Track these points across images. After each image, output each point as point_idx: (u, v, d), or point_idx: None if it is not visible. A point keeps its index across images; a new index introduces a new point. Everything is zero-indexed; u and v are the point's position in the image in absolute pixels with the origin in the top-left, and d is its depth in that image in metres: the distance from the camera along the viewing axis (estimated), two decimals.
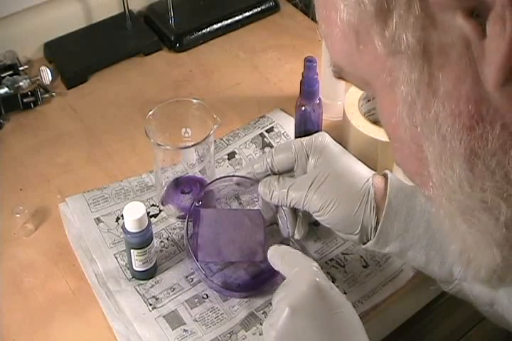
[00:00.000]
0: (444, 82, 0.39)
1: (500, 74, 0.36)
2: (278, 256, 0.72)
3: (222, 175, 0.84)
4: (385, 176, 0.75)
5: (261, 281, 0.79)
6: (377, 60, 0.42)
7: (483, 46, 0.36)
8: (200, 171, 0.87)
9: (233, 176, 0.82)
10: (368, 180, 0.74)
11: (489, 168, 0.39)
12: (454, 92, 0.39)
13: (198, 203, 0.82)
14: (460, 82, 0.38)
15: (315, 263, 0.70)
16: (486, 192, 0.40)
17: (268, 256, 0.73)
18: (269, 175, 0.79)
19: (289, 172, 0.79)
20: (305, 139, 0.78)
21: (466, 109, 0.39)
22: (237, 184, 0.83)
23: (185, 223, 0.79)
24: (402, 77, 0.41)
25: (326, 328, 0.63)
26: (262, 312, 0.78)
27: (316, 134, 0.78)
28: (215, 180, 0.82)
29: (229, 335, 0.77)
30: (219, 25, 1.15)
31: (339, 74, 0.49)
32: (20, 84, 0.99)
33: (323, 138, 0.78)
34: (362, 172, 0.76)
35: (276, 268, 0.72)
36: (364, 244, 0.75)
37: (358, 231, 0.73)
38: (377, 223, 0.73)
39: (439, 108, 0.40)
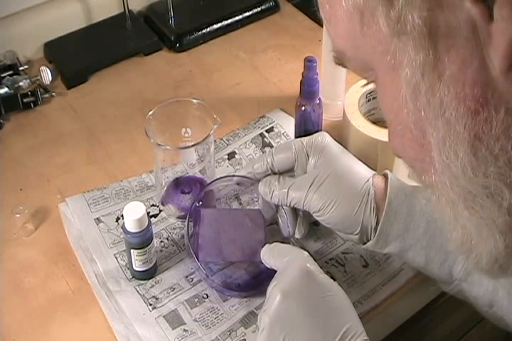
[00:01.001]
0: (449, 65, 0.39)
1: (506, 58, 0.36)
2: (269, 252, 0.73)
3: (223, 175, 0.84)
4: (386, 176, 0.75)
5: (261, 281, 0.79)
6: (381, 42, 0.41)
7: (489, 30, 0.36)
8: (200, 171, 0.87)
9: (233, 176, 0.82)
10: (368, 181, 0.74)
11: (493, 152, 0.39)
12: (460, 76, 0.39)
13: (198, 203, 0.82)
14: (466, 66, 0.38)
15: (305, 252, 0.70)
16: (489, 177, 0.40)
17: (261, 257, 0.74)
18: (269, 174, 0.79)
19: (289, 172, 0.79)
20: (305, 139, 0.78)
21: (472, 93, 0.38)
22: (237, 184, 0.82)
23: (186, 222, 0.79)
24: (407, 59, 0.40)
25: (317, 311, 0.64)
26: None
27: (316, 134, 0.78)
28: (215, 180, 0.82)
29: (228, 333, 0.77)
30: (219, 25, 1.15)
31: (340, 61, 0.48)
32: (20, 84, 0.99)
33: (324, 138, 0.78)
34: (362, 172, 0.76)
35: (269, 266, 0.73)
36: (364, 243, 0.75)
37: (357, 231, 0.73)
38: (377, 223, 0.73)
39: (444, 91, 0.39)
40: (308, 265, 0.67)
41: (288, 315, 0.64)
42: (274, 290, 0.65)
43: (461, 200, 0.43)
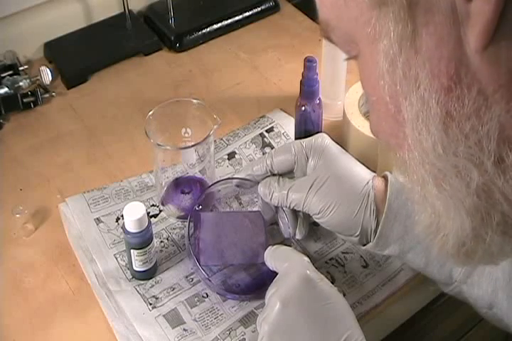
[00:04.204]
0: (427, 41, 0.39)
1: (482, 38, 0.37)
2: (270, 255, 0.73)
3: (222, 178, 0.83)
4: (386, 178, 0.75)
5: (262, 282, 0.79)
6: (363, 13, 0.42)
7: (468, 9, 0.37)
8: (200, 171, 0.87)
9: (233, 178, 0.82)
10: (368, 183, 0.74)
11: (463, 131, 0.39)
12: (436, 52, 0.39)
13: (198, 207, 0.82)
14: (443, 43, 0.39)
15: (306, 258, 0.70)
16: (459, 157, 0.40)
17: (265, 259, 0.74)
18: (268, 176, 0.79)
19: (288, 174, 0.79)
20: (305, 141, 0.78)
21: (446, 70, 0.39)
22: (237, 186, 0.82)
23: (187, 223, 0.79)
24: (386, 31, 0.40)
25: (317, 319, 0.64)
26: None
27: (315, 135, 0.78)
28: (215, 183, 0.82)
29: (228, 332, 0.77)
30: (219, 25, 1.15)
31: (325, 32, 0.48)
32: (20, 84, 0.99)
33: (323, 139, 0.78)
34: (362, 174, 0.75)
35: (271, 268, 0.73)
36: (364, 245, 0.75)
37: (357, 233, 0.73)
38: (377, 225, 0.73)
39: (419, 66, 0.40)
40: (308, 272, 0.67)
41: (287, 324, 0.64)
42: (274, 298, 0.65)
43: (431, 178, 0.43)
